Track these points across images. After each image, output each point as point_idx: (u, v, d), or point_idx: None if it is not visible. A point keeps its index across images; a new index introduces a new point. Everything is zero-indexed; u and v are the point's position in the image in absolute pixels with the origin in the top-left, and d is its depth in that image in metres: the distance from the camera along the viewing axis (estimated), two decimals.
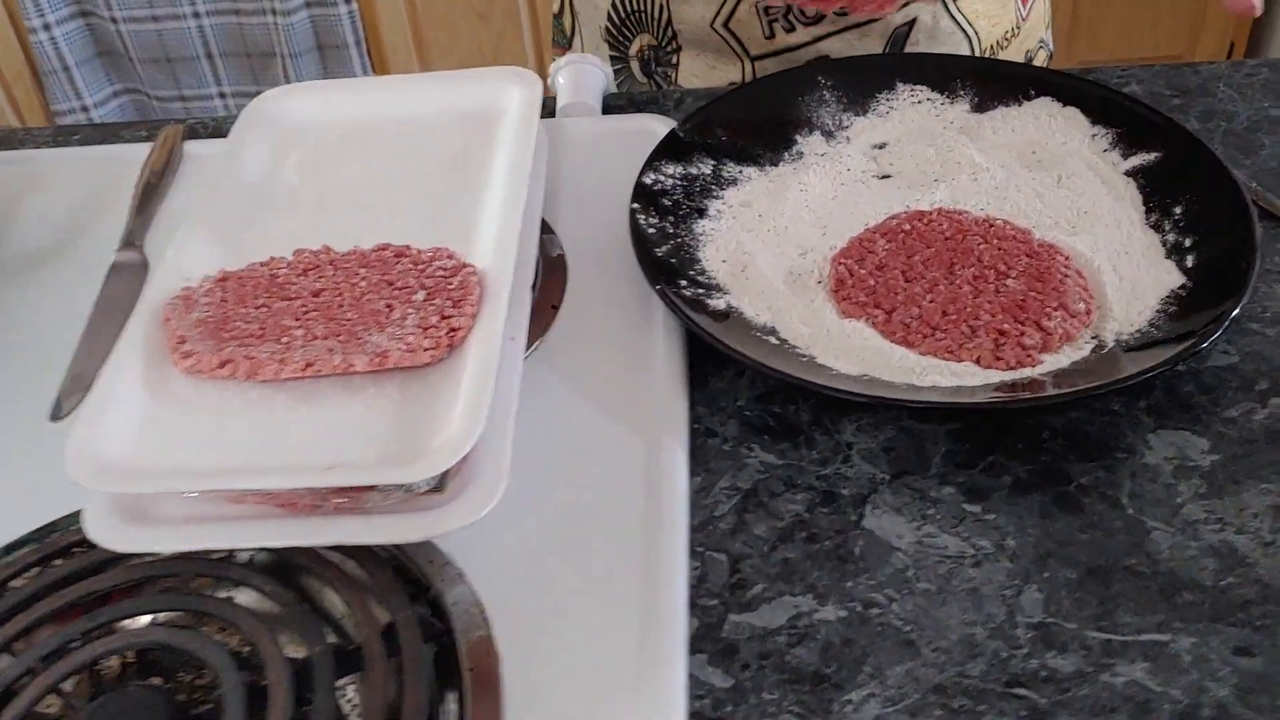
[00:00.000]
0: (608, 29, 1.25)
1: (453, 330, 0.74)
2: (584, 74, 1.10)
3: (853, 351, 0.81)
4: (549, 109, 1.09)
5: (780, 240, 0.91)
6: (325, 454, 0.70)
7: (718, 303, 0.85)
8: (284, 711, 0.62)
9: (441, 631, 0.68)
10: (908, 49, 1.16)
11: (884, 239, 0.88)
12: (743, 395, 0.82)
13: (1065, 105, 0.98)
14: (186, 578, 0.71)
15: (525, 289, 0.81)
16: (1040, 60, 1.27)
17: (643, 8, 1.20)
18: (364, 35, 2.85)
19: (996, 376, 0.78)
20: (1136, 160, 0.93)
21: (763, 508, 0.75)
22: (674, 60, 1.22)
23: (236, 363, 0.74)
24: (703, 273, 0.88)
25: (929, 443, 0.78)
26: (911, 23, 1.15)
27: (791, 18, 1.14)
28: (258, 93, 0.99)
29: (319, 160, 0.92)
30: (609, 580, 0.70)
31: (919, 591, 0.70)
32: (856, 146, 0.99)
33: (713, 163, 0.97)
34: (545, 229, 0.94)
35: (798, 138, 1.00)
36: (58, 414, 0.82)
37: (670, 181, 0.94)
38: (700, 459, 0.78)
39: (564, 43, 1.34)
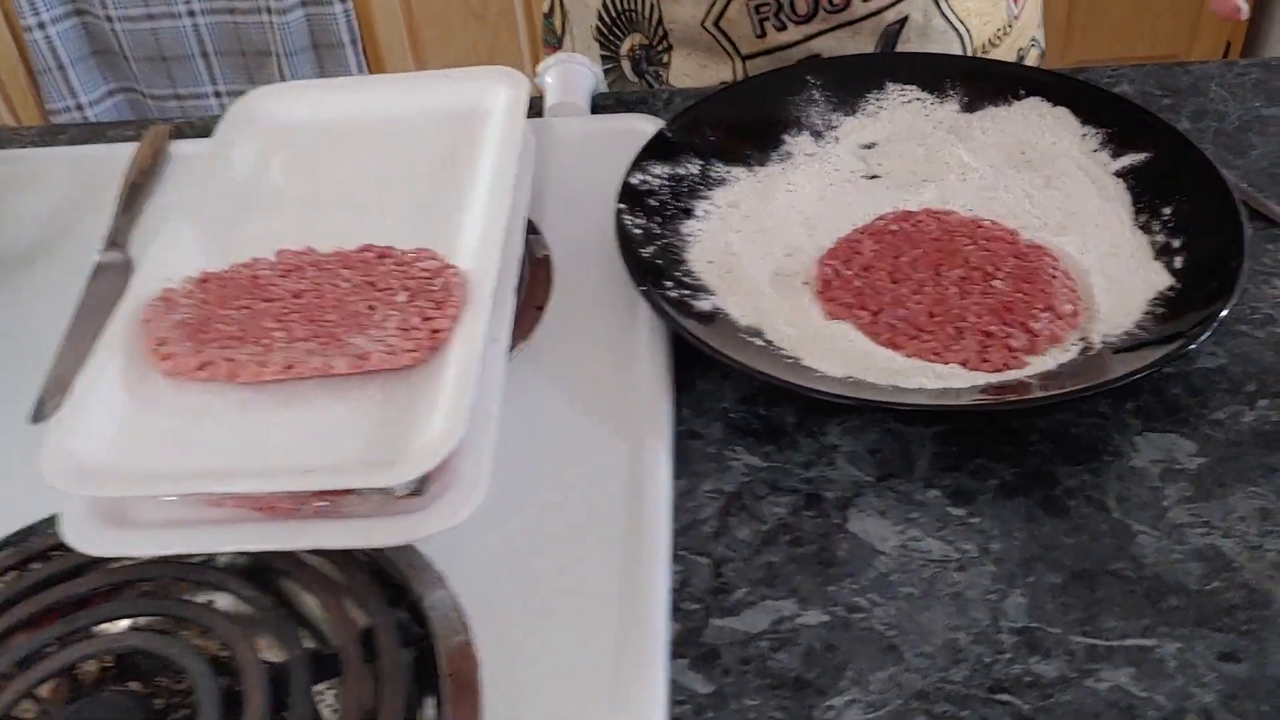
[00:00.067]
0: (598, 28, 1.25)
1: (434, 332, 0.73)
2: (572, 73, 1.10)
3: (838, 353, 0.80)
4: (537, 109, 1.09)
5: (767, 241, 0.90)
6: (305, 457, 0.69)
7: (703, 304, 0.84)
8: (259, 717, 0.61)
9: (421, 636, 0.67)
10: (899, 47, 1.15)
11: (871, 240, 0.87)
12: (728, 397, 0.81)
13: (1055, 105, 0.98)
14: (164, 582, 0.71)
15: (509, 290, 0.80)
16: (1032, 58, 1.26)
17: (633, 7, 1.20)
18: (359, 34, 2.84)
19: (983, 379, 0.78)
20: (1126, 160, 0.93)
21: (746, 511, 0.74)
22: (665, 59, 1.21)
23: (216, 365, 0.73)
24: (689, 274, 0.87)
25: (914, 445, 0.77)
26: (903, 21, 1.14)
27: (783, 16, 1.13)
28: None
29: (304, 160, 0.91)
30: (590, 584, 0.70)
31: (902, 596, 0.69)
32: (845, 146, 0.98)
33: (700, 163, 0.96)
34: (531, 230, 0.93)
35: (786, 138, 0.99)
36: (39, 416, 0.81)
37: (657, 182, 0.93)
38: (684, 461, 0.77)
39: (554, 42, 1.34)
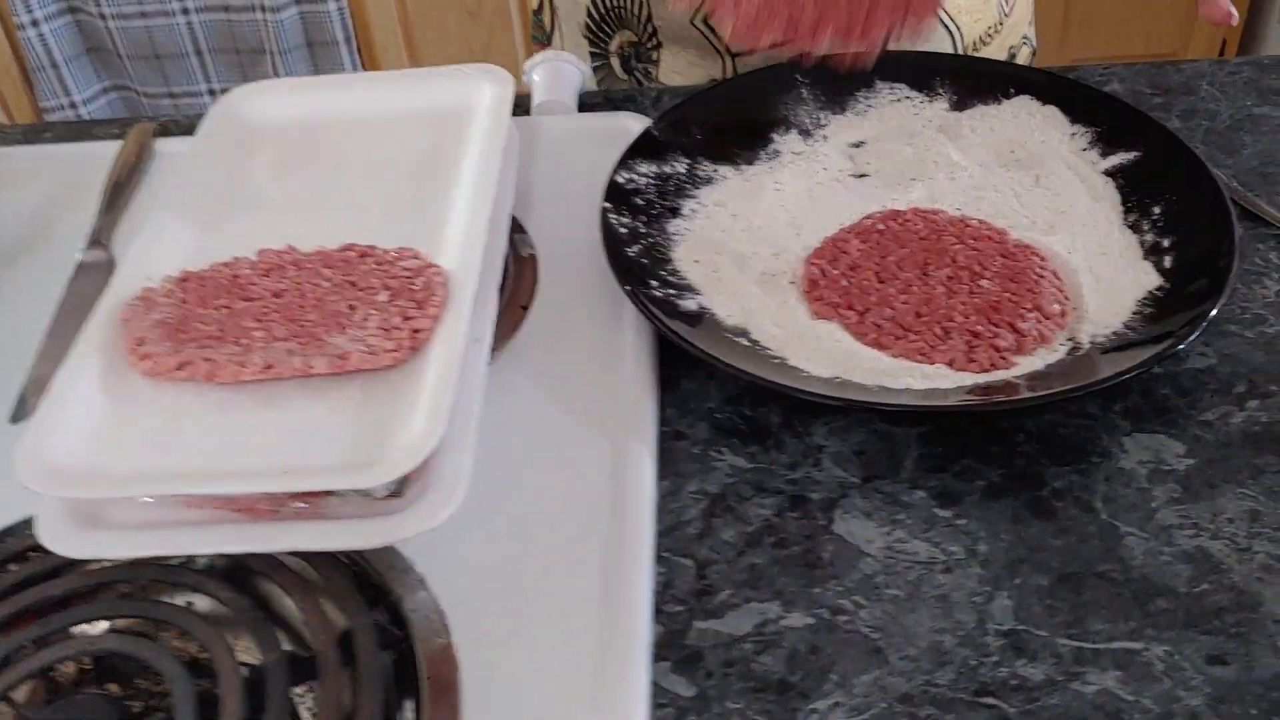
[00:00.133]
0: (587, 25, 1.24)
1: (415, 332, 0.72)
2: (559, 71, 1.09)
3: (824, 353, 0.79)
4: (524, 107, 1.08)
5: (754, 240, 0.89)
6: (283, 458, 0.68)
7: (689, 304, 0.83)
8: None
9: (401, 638, 0.67)
10: (890, 44, 1.15)
11: (858, 239, 0.87)
12: (713, 397, 0.81)
13: (1044, 104, 0.97)
14: (142, 583, 0.70)
15: (492, 289, 0.80)
16: (1024, 57, 1.25)
17: (623, 4, 1.19)
18: (354, 32, 2.83)
19: (970, 379, 0.77)
20: (1116, 159, 0.92)
21: (731, 512, 0.74)
22: (654, 57, 1.21)
23: (195, 364, 0.72)
24: (675, 273, 0.86)
25: (900, 446, 0.77)
26: None
27: None
28: None
29: (287, 159, 0.90)
30: (572, 586, 0.69)
31: (888, 598, 0.68)
32: (833, 145, 0.98)
33: (688, 161, 0.95)
34: (517, 229, 0.92)
35: (774, 136, 0.98)
36: (19, 415, 0.81)
37: (644, 180, 0.92)
38: (669, 462, 0.77)
39: (543, 39, 1.33)
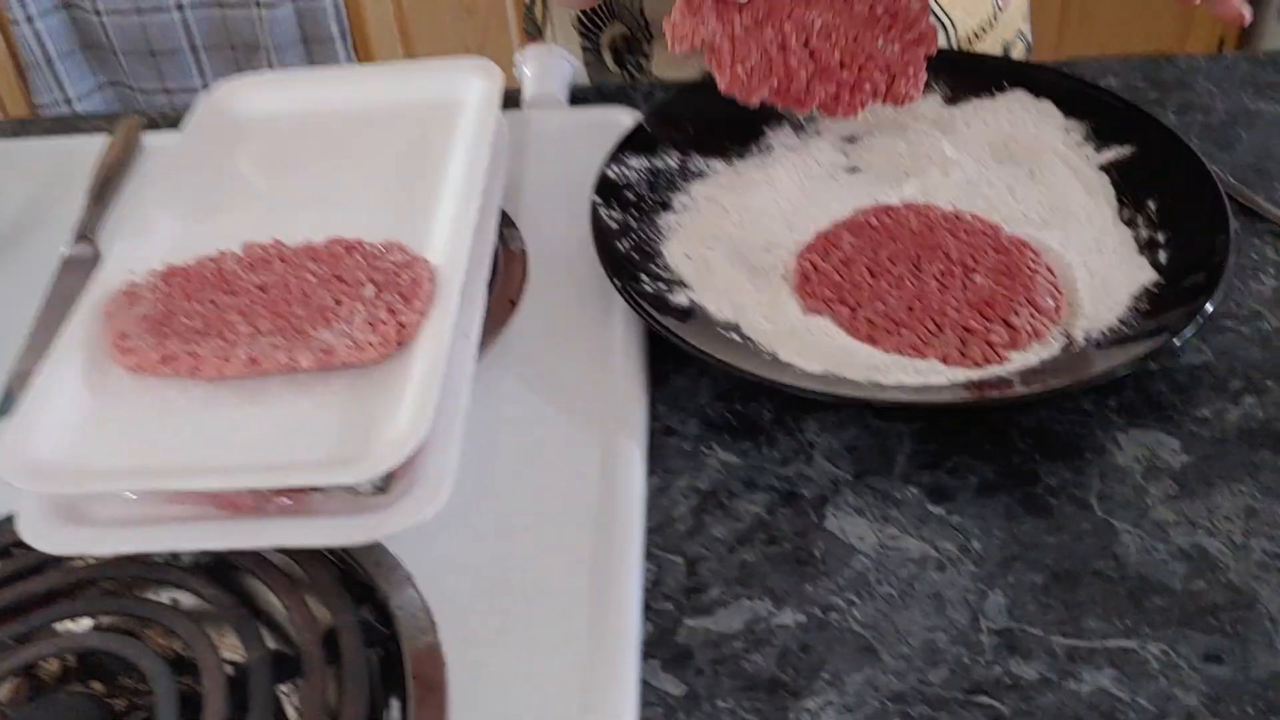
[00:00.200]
0: (579, 18, 1.23)
1: (401, 326, 0.72)
2: (550, 65, 1.08)
3: (816, 348, 0.79)
4: (515, 100, 1.07)
5: (745, 235, 0.89)
6: (268, 454, 0.68)
7: (680, 298, 0.83)
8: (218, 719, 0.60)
9: (387, 636, 0.66)
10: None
11: (850, 234, 0.86)
12: (704, 393, 0.80)
13: (1039, 98, 0.96)
14: (126, 580, 0.69)
15: (480, 284, 0.79)
16: (1017, 53, 1.25)
17: None
18: (349, 27, 2.82)
19: (963, 374, 0.77)
20: (1110, 154, 0.91)
21: (722, 508, 0.73)
22: (647, 50, 1.20)
23: (179, 359, 0.71)
24: (665, 268, 0.86)
25: (893, 442, 0.76)
26: None
27: None
28: None
29: (274, 152, 0.89)
30: (561, 583, 0.68)
31: (880, 595, 0.68)
32: (826, 139, 0.97)
33: (679, 155, 0.95)
34: (507, 223, 0.92)
35: (767, 130, 0.97)
36: (2, 411, 0.80)
37: (634, 175, 0.92)
38: (659, 458, 0.76)
39: (535, 32, 1.32)
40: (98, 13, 2.76)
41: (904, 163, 0.94)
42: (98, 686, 0.66)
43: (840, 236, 0.86)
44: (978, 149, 0.94)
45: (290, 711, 0.64)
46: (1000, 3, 1.19)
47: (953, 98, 0.99)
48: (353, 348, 0.71)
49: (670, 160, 0.94)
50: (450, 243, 0.77)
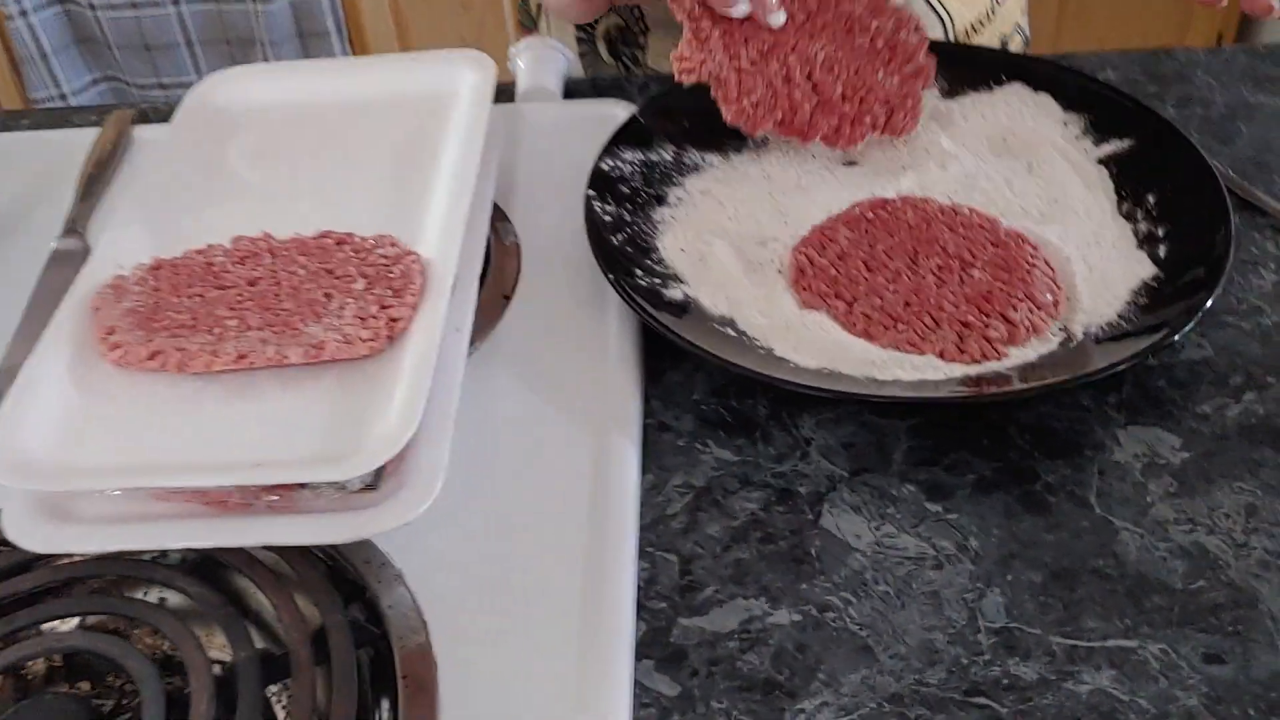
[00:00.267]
0: None
1: (392, 321, 0.71)
2: (544, 57, 1.07)
3: (812, 344, 0.78)
4: (509, 94, 1.06)
5: (741, 229, 0.88)
6: (256, 450, 0.67)
7: (674, 293, 0.82)
8: None
9: (377, 636, 0.65)
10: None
11: (846, 228, 0.85)
12: (699, 389, 0.79)
13: (1037, 91, 0.96)
14: (112, 579, 0.68)
15: (472, 278, 0.78)
16: (1015, 46, 1.24)
17: None
18: (344, 22, 2.81)
19: (960, 370, 0.76)
20: (1109, 148, 0.91)
21: (716, 506, 0.72)
22: (642, 41, 1.19)
23: (166, 354, 0.70)
24: (660, 262, 0.85)
25: (890, 439, 0.75)
26: None
27: None
28: None
29: (264, 145, 0.88)
30: (553, 582, 0.67)
31: (877, 594, 0.67)
32: None
33: (674, 149, 0.94)
34: (500, 217, 0.91)
35: None
36: None
37: (629, 168, 0.91)
38: (653, 455, 0.75)
39: (530, 24, 1.31)
40: (92, 7, 2.75)
41: (901, 156, 0.93)
42: (85, 687, 0.65)
43: (836, 231, 0.85)
44: (975, 143, 0.93)
45: (279, 712, 0.64)
46: None
47: (950, 91, 0.98)
48: (343, 343, 0.70)
49: (665, 154, 0.93)
50: (442, 236, 0.76)
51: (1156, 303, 0.78)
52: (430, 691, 0.63)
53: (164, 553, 0.69)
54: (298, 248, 0.77)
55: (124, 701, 0.64)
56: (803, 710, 0.62)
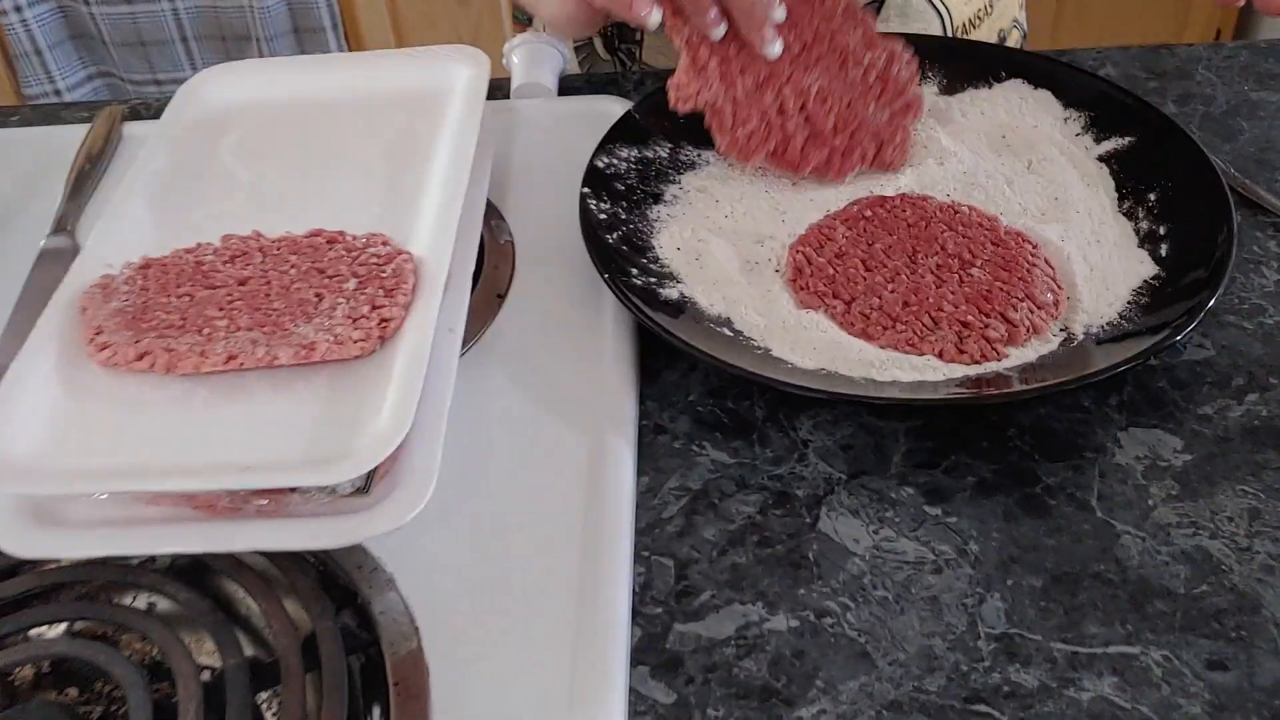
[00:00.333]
0: None
1: (384, 321, 0.70)
2: (539, 53, 1.06)
3: (810, 344, 0.77)
4: (504, 90, 1.05)
5: (737, 227, 0.87)
6: (245, 453, 0.66)
7: (670, 292, 0.81)
8: None
9: (368, 642, 0.64)
10: (879, 25, 1.12)
11: (844, 226, 0.84)
12: (695, 389, 0.78)
13: (1036, 88, 0.95)
14: (100, 584, 0.67)
15: (465, 277, 0.77)
16: (1014, 40, 1.23)
17: None
18: (341, 19, 2.80)
19: (960, 371, 0.75)
20: (1110, 145, 0.90)
21: (713, 509, 0.71)
22: (638, 36, 1.18)
23: (155, 355, 0.69)
24: (656, 260, 0.84)
25: (888, 440, 0.74)
26: None
27: None
28: None
29: (255, 142, 0.87)
30: (547, 587, 0.66)
31: (875, 600, 0.66)
32: None
33: (670, 146, 0.93)
34: (495, 215, 0.90)
35: None
36: None
37: (624, 165, 0.90)
38: (648, 457, 0.74)
39: (526, 20, 1.30)
40: (88, 3, 2.74)
41: None
42: (73, 693, 0.64)
43: (834, 229, 0.84)
44: (975, 140, 0.92)
45: (270, 718, 0.63)
46: None
47: (949, 87, 0.97)
48: (334, 343, 0.69)
49: (661, 150, 0.92)
50: (435, 235, 0.75)
51: (1158, 302, 0.77)
52: (422, 699, 0.62)
53: (152, 557, 0.68)
54: (289, 246, 0.76)
55: (112, 708, 0.63)
56: (800, 717, 0.61)
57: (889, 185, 0.89)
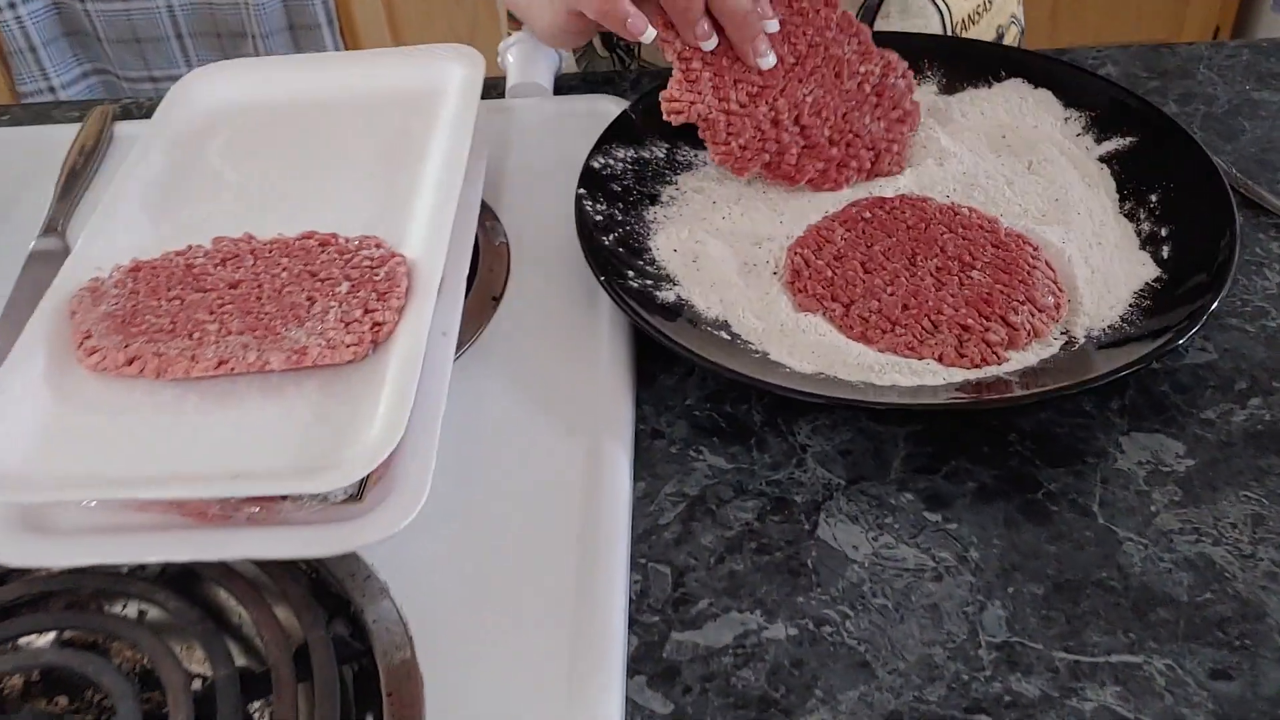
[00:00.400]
0: None
1: (376, 325, 0.69)
2: (534, 52, 1.06)
3: (808, 347, 0.76)
4: (499, 89, 1.04)
5: (735, 228, 0.86)
6: (235, 460, 0.65)
7: (667, 294, 0.80)
8: None
9: (361, 651, 0.63)
10: (879, 20, 1.11)
11: (843, 228, 0.83)
12: (692, 393, 0.77)
13: (1037, 87, 0.94)
14: (90, 591, 0.67)
15: (459, 280, 0.76)
16: (1012, 36, 1.22)
17: None
18: (336, 15, 2.80)
19: (960, 375, 0.74)
20: (1111, 145, 0.89)
21: (710, 516, 0.70)
22: None
23: (145, 360, 0.69)
24: (652, 262, 0.83)
25: (888, 445, 0.73)
26: None
27: None
28: None
29: (246, 142, 0.86)
30: (542, 595, 0.65)
31: (875, 608, 0.65)
32: None
33: (666, 146, 0.92)
34: (490, 216, 0.89)
35: None
36: None
37: (621, 165, 0.89)
38: (645, 463, 0.73)
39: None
40: (83, 0, 2.73)
41: None
42: (62, 702, 0.63)
43: (833, 230, 0.83)
44: (974, 140, 0.91)
45: None
46: None
47: (948, 87, 0.96)
48: (326, 348, 0.68)
49: (657, 151, 0.92)
50: (429, 237, 0.74)
51: (1160, 305, 0.76)
52: (416, 709, 0.61)
53: (142, 565, 0.67)
54: (280, 249, 0.75)
55: (102, 718, 0.62)
56: None
57: (888, 186, 0.88)
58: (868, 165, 0.89)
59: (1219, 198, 0.80)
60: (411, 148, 0.82)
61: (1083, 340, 0.76)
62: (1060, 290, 0.79)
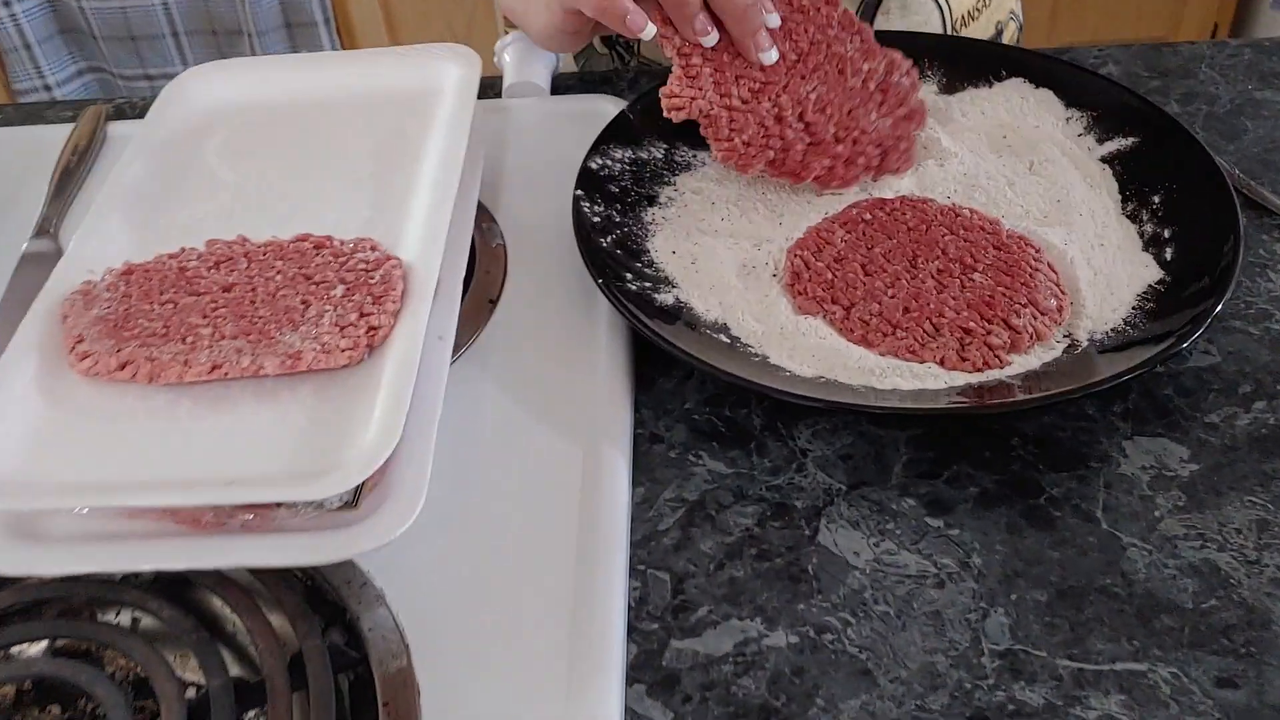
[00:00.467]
0: None
1: (372, 329, 0.68)
2: (531, 52, 1.05)
3: (808, 351, 0.75)
4: (496, 89, 1.04)
5: (734, 229, 0.85)
6: (229, 467, 0.64)
7: (665, 297, 0.79)
8: None
9: (357, 660, 0.63)
10: (879, 17, 1.11)
11: (843, 229, 0.82)
12: (691, 397, 0.76)
13: (1038, 87, 0.93)
14: (83, 599, 0.66)
15: (456, 283, 0.75)
16: (1011, 33, 1.21)
17: None
18: (333, 13, 2.79)
19: (962, 379, 0.73)
20: (1113, 145, 0.88)
21: (710, 521, 0.70)
22: None
23: (137, 364, 0.68)
24: (651, 264, 0.82)
25: (889, 450, 0.72)
26: None
27: None
28: None
29: (241, 143, 0.86)
30: (540, 602, 0.65)
31: (876, 615, 0.64)
32: None
33: (665, 146, 0.91)
34: (486, 217, 0.88)
35: None
36: None
37: (619, 166, 0.88)
38: (644, 468, 0.73)
39: None
40: None
41: None
42: (55, 711, 0.63)
43: (833, 232, 0.82)
44: (975, 140, 0.91)
45: None
46: None
47: (949, 86, 0.96)
48: (321, 352, 0.67)
49: (656, 151, 0.91)
50: (425, 239, 0.73)
51: (1163, 308, 0.75)
52: (412, 718, 0.60)
53: (135, 573, 0.66)
54: (274, 252, 0.74)
55: None
56: None
57: (888, 187, 0.87)
58: (875, 162, 0.88)
59: (1222, 199, 0.80)
60: (407, 148, 0.82)
61: (1085, 343, 0.75)
62: (1063, 293, 0.78)
